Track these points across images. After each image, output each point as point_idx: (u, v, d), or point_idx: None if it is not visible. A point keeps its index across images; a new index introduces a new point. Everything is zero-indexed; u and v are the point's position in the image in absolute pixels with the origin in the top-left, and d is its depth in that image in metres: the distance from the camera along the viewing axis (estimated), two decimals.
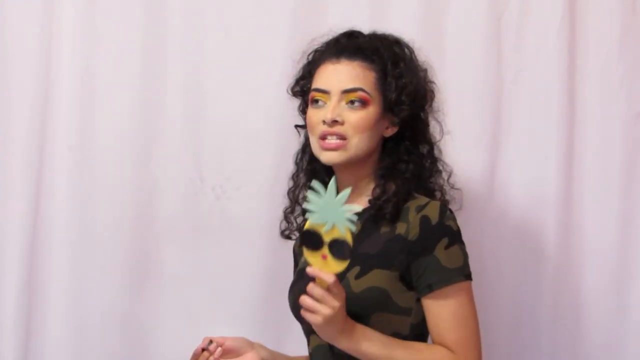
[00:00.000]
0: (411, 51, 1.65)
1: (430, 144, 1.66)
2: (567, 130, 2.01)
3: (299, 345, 1.68)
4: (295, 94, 1.69)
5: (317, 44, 1.66)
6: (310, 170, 1.70)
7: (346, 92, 1.56)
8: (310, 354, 1.63)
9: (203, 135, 2.03)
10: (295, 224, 1.72)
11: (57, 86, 2.00)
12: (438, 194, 1.67)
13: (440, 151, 1.68)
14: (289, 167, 1.75)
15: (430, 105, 1.67)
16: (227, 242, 2.02)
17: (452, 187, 1.71)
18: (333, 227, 1.39)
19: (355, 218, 1.38)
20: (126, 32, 2.01)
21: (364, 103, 1.56)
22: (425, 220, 1.53)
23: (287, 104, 1.73)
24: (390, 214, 1.56)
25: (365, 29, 1.67)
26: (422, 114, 1.64)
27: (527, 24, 2.02)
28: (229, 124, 2.03)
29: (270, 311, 1.97)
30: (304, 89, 1.67)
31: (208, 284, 2.02)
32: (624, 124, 2.02)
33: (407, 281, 1.53)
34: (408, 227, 1.54)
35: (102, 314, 2.01)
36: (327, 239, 1.40)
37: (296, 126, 1.73)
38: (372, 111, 1.57)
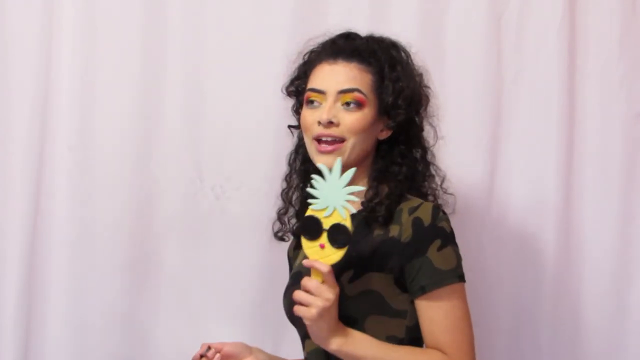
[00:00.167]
0: (408, 55, 1.65)
1: (424, 148, 1.66)
2: (567, 130, 2.01)
3: (299, 344, 1.68)
4: (289, 93, 1.68)
5: (312, 45, 1.66)
6: (304, 171, 1.69)
7: (342, 92, 1.55)
8: (306, 358, 1.63)
9: (203, 135, 2.03)
10: (288, 225, 1.72)
11: (57, 86, 2.00)
12: (431, 198, 1.67)
13: (433, 155, 1.68)
14: None
15: (425, 110, 1.66)
16: (227, 242, 2.02)
17: (445, 192, 1.70)
18: (334, 211, 1.40)
19: (356, 199, 1.38)
20: (126, 32, 2.01)
21: (359, 104, 1.55)
22: (417, 221, 1.52)
23: (286, 104, 1.73)
24: (383, 216, 1.55)
25: (366, 29, 1.67)
26: (416, 118, 1.64)
27: (527, 24, 2.03)
28: (228, 124, 2.03)
29: (270, 310, 1.97)
30: (298, 89, 1.66)
31: (208, 283, 2.02)
32: (624, 124, 2.02)
33: (401, 284, 1.53)
34: (401, 229, 1.53)
35: (102, 314, 2.01)
36: (326, 225, 1.41)
37: (289, 127, 1.72)
38: (367, 113, 1.56)
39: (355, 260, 1.54)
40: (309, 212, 1.44)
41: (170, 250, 2.03)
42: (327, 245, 1.43)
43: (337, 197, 1.42)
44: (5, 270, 1.98)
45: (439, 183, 1.68)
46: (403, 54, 1.64)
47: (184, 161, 2.03)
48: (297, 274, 1.62)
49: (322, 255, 1.43)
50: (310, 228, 1.44)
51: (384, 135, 1.61)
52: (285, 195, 1.72)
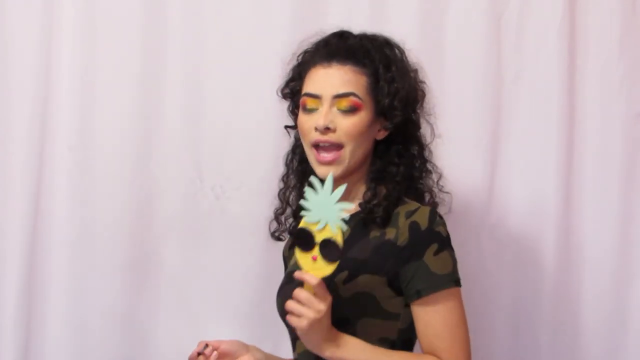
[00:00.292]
0: (402, 52, 1.64)
1: (421, 146, 1.66)
2: (567, 130, 2.01)
3: None
4: (284, 96, 1.68)
5: (306, 45, 1.65)
6: (301, 171, 1.69)
7: (338, 97, 1.55)
8: (296, 359, 1.63)
9: (203, 135, 2.03)
10: (285, 225, 1.72)
11: (57, 86, 2.00)
12: (427, 196, 1.67)
13: (430, 152, 1.68)
14: None
15: (422, 105, 1.66)
16: (227, 242, 2.02)
17: (441, 190, 1.70)
18: (325, 225, 1.39)
19: (347, 217, 1.38)
20: (126, 32, 2.01)
21: (356, 109, 1.55)
22: (414, 225, 1.52)
23: (286, 104, 1.73)
24: (381, 218, 1.55)
25: (366, 29, 1.67)
26: (413, 116, 1.64)
27: (527, 24, 2.02)
28: (228, 124, 2.03)
29: (269, 310, 1.96)
30: (293, 90, 1.66)
31: (208, 283, 2.02)
32: (624, 124, 2.02)
33: (396, 286, 1.53)
34: (397, 232, 1.53)
35: (102, 314, 2.01)
36: (318, 238, 1.41)
37: (286, 127, 1.72)
38: (364, 116, 1.56)
39: (351, 262, 1.54)
40: (302, 224, 1.44)
41: (170, 250, 2.03)
42: (319, 258, 1.43)
43: (328, 212, 1.41)
44: (5, 270, 1.98)
45: (435, 180, 1.68)
46: (397, 51, 1.63)
47: (184, 161, 2.03)
48: (292, 273, 1.62)
49: (314, 267, 1.43)
50: (303, 240, 1.44)
51: (381, 135, 1.61)
52: (283, 195, 1.72)
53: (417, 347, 1.59)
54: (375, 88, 1.57)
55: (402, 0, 2.02)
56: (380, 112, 1.58)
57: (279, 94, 1.69)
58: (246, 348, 1.65)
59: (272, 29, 2.01)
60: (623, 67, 2.02)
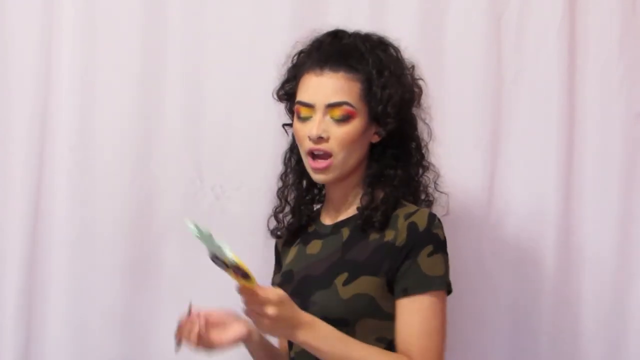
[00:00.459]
0: (397, 50, 1.64)
1: (418, 144, 1.66)
2: (567, 130, 2.01)
3: None
4: (280, 97, 1.69)
5: (300, 46, 1.66)
6: (299, 169, 1.70)
7: (330, 106, 1.55)
8: (292, 358, 1.63)
9: (203, 135, 2.03)
10: (284, 223, 1.73)
11: (57, 86, 2.00)
12: (424, 196, 1.67)
13: (427, 151, 1.68)
14: None
15: (418, 103, 1.66)
16: (227, 242, 2.02)
17: (437, 189, 1.71)
18: (225, 257, 1.37)
19: (230, 252, 1.35)
20: (126, 32, 2.01)
21: (349, 117, 1.55)
22: (413, 226, 1.53)
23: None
24: (379, 222, 1.56)
25: (365, 29, 1.67)
26: (410, 116, 1.64)
27: (527, 24, 2.02)
28: (228, 124, 2.03)
29: None
30: (289, 93, 1.66)
31: (207, 283, 2.01)
32: (624, 124, 2.02)
33: (393, 287, 1.53)
34: (396, 233, 1.54)
35: (102, 314, 2.01)
36: (227, 262, 1.39)
37: (284, 125, 1.73)
38: (357, 124, 1.56)
39: (350, 263, 1.55)
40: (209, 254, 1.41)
41: (170, 250, 2.03)
42: (234, 274, 1.41)
43: (210, 246, 1.39)
44: (6, 270, 1.98)
45: (432, 179, 1.69)
46: (391, 50, 1.63)
47: (184, 161, 2.03)
48: (288, 273, 1.62)
49: (241, 282, 1.41)
50: (218, 264, 1.42)
51: (377, 138, 1.61)
52: (281, 193, 1.74)
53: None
54: (368, 94, 1.57)
55: (402, 0, 2.02)
56: (374, 117, 1.58)
57: (275, 96, 1.70)
58: (238, 318, 1.62)
59: (272, 29, 2.01)
60: (623, 67, 2.02)
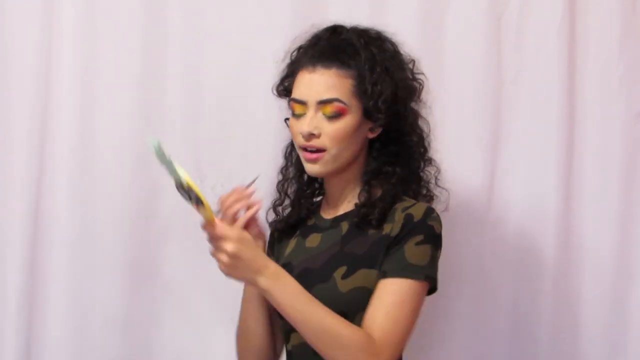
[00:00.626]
0: (394, 45, 1.64)
1: (419, 138, 1.66)
2: (567, 130, 2.02)
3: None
4: (280, 93, 1.69)
5: (299, 42, 1.66)
6: (300, 163, 1.69)
7: (322, 103, 1.56)
8: (290, 351, 1.63)
9: (203, 135, 2.03)
10: (282, 216, 1.74)
11: (57, 86, 1.99)
12: (424, 191, 1.67)
13: (429, 145, 1.68)
14: None
15: (419, 98, 1.66)
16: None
17: (438, 185, 1.71)
18: (179, 177, 1.41)
19: (183, 174, 1.40)
20: (126, 32, 2.01)
21: (340, 114, 1.56)
22: (408, 217, 1.54)
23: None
24: (376, 219, 1.56)
25: (364, 24, 1.67)
26: (407, 111, 1.63)
27: (527, 24, 2.03)
28: (229, 124, 2.03)
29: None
30: (287, 89, 1.67)
31: (208, 284, 2.02)
32: (624, 124, 2.02)
33: None
34: (393, 225, 1.54)
35: (102, 314, 2.01)
36: (185, 187, 1.42)
37: (286, 120, 1.73)
38: (349, 120, 1.56)
39: (349, 257, 1.56)
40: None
41: (170, 250, 2.03)
42: (195, 204, 1.44)
43: (170, 168, 1.41)
44: (6, 271, 1.98)
45: (434, 174, 1.69)
46: (389, 45, 1.63)
47: (184, 161, 2.01)
48: (287, 266, 1.62)
49: (204, 214, 1.44)
50: (182, 194, 1.46)
51: (374, 133, 1.61)
52: (281, 187, 1.74)
53: (410, 344, 1.59)
54: (360, 90, 1.57)
55: (402, 0, 2.02)
56: (367, 113, 1.58)
57: (274, 92, 1.70)
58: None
59: (272, 29, 2.01)
60: (623, 67, 2.02)
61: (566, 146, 2.02)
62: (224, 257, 1.43)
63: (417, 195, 1.65)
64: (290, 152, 1.74)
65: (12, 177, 1.99)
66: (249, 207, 1.61)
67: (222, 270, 1.46)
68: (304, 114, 1.58)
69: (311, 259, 1.62)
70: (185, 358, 2.03)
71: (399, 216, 1.55)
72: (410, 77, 1.66)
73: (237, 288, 2.02)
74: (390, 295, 1.49)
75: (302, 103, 1.58)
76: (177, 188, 1.45)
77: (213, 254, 1.46)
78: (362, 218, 1.57)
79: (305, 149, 1.58)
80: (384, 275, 1.51)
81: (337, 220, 1.64)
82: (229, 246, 1.42)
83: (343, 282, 1.54)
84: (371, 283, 1.53)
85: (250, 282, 1.47)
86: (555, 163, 2.01)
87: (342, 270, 1.55)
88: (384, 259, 1.52)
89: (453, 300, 2.02)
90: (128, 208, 2.01)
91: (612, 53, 2.02)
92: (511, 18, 2.03)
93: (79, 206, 2.00)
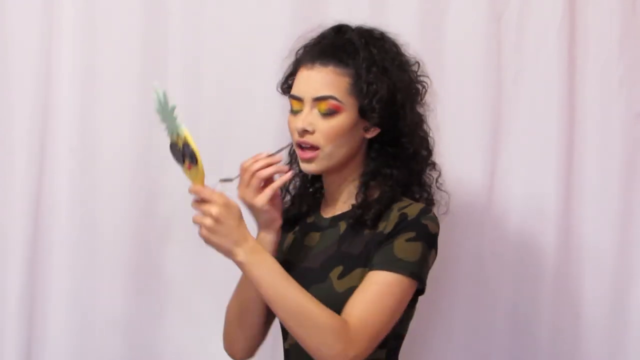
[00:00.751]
0: (397, 46, 1.64)
1: (423, 142, 1.65)
2: (567, 130, 2.02)
3: None
4: (284, 91, 1.69)
5: (303, 40, 1.66)
6: None
7: (317, 100, 1.56)
8: (287, 349, 1.63)
9: (203, 135, 2.03)
10: (285, 214, 1.72)
11: (57, 86, 1.99)
12: (425, 195, 1.66)
13: (432, 149, 1.67)
14: None
15: (422, 100, 1.66)
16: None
17: (439, 188, 1.70)
18: (177, 133, 1.41)
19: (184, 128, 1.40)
20: (126, 32, 2.01)
21: (335, 112, 1.56)
22: (403, 215, 1.53)
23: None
24: (371, 220, 1.56)
25: (368, 24, 1.67)
26: (406, 113, 1.61)
27: (527, 24, 2.03)
28: (228, 123, 2.03)
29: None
30: (291, 86, 1.66)
31: (209, 284, 2.02)
32: (624, 124, 2.02)
33: None
34: (387, 223, 1.54)
35: (103, 315, 2.01)
36: (180, 146, 1.42)
37: None
38: (344, 118, 1.56)
39: (345, 256, 1.56)
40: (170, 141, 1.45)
41: (171, 251, 2.03)
42: (188, 163, 1.44)
43: (170, 121, 1.42)
44: (7, 271, 1.98)
45: (435, 177, 1.68)
46: (390, 46, 1.63)
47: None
48: (285, 263, 1.61)
49: (195, 176, 1.44)
50: (175, 154, 1.46)
51: (372, 133, 1.60)
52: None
53: (407, 342, 1.60)
54: (356, 89, 1.57)
55: (402, 0, 2.02)
56: (362, 112, 1.58)
57: (279, 89, 1.70)
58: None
59: (272, 28, 2.01)
60: (623, 67, 2.02)
61: (566, 146, 2.02)
62: (207, 220, 1.43)
63: (418, 199, 1.65)
64: (294, 150, 1.74)
65: (13, 177, 1.98)
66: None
67: (202, 236, 1.45)
68: (301, 110, 1.58)
69: (309, 258, 1.62)
70: (185, 358, 2.03)
71: (394, 215, 1.55)
72: (413, 79, 1.65)
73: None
74: (373, 285, 1.49)
75: (299, 99, 1.58)
76: (171, 147, 1.45)
77: (196, 220, 1.45)
78: (357, 219, 1.57)
79: (300, 146, 1.58)
80: (371, 267, 1.51)
81: (336, 219, 1.64)
82: (213, 209, 1.42)
83: (339, 282, 1.54)
84: None
85: (228, 253, 1.46)
86: (555, 163, 2.01)
87: (338, 270, 1.55)
88: (374, 254, 1.52)
89: (453, 300, 2.02)
90: (128, 208, 2.01)
91: (612, 53, 2.02)
92: (511, 18, 2.03)
93: (79, 206, 2.00)
